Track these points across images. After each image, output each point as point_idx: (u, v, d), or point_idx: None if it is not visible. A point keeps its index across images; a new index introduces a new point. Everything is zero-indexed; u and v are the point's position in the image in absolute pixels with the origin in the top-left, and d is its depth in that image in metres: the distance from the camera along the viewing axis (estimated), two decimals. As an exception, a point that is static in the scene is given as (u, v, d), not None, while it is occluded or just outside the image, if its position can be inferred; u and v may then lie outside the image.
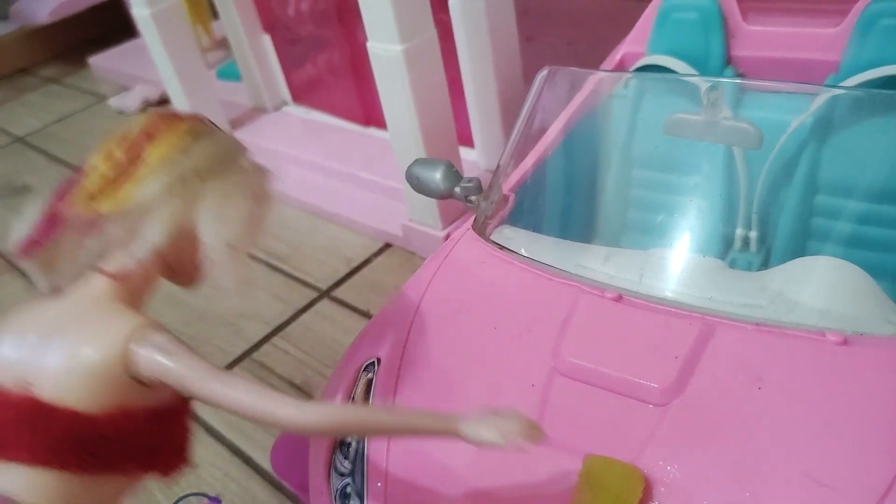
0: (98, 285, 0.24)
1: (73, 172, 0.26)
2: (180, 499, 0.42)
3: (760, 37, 0.43)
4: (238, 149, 0.26)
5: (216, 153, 0.25)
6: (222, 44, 1.02)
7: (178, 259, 0.25)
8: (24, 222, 0.25)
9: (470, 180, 0.39)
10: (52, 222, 0.25)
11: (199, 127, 0.26)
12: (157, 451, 0.23)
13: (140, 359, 0.22)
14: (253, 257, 0.64)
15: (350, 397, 0.32)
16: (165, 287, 0.27)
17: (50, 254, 0.25)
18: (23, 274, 0.70)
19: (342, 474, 0.31)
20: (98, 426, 0.22)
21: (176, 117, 0.26)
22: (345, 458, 0.31)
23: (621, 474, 0.25)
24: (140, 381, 0.22)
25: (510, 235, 0.37)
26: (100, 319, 0.23)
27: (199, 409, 0.49)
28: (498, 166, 0.40)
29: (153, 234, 0.24)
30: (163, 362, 0.22)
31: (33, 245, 0.25)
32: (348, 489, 0.30)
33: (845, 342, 0.28)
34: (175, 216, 0.24)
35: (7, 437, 0.21)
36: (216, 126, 0.27)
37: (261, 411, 0.22)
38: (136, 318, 0.23)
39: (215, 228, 0.24)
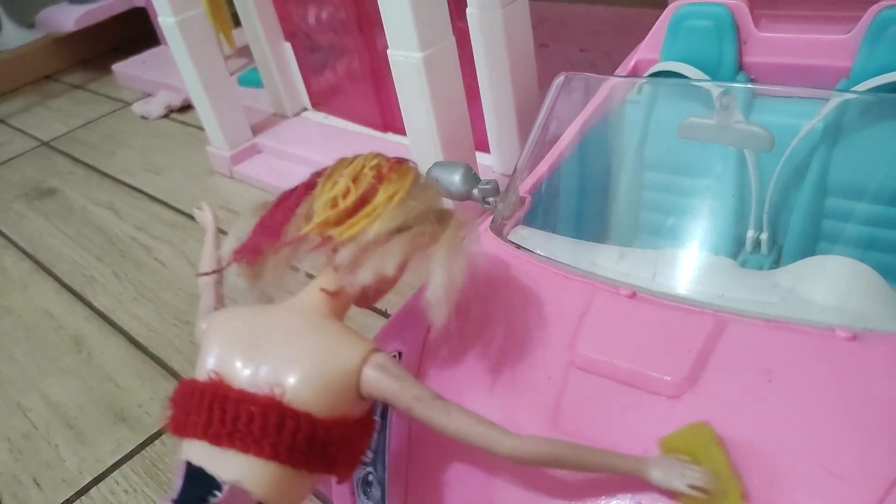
0: (317, 301, 0.27)
1: (289, 195, 0.29)
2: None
3: (772, 43, 0.44)
4: (442, 196, 0.30)
5: (437, 201, 0.29)
6: (243, 51, 1.04)
7: (378, 288, 0.28)
8: (238, 230, 0.28)
9: (488, 182, 0.41)
10: (271, 234, 0.27)
11: (421, 177, 0.29)
12: (352, 455, 0.26)
13: (371, 379, 0.25)
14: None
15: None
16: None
17: (262, 263, 0.28)
18: (53, 277, 0.72)
19: (364, 463, 0.32)
20: (327, 431, 0.24)
21: (402, 163, 0.29)
22: (367, 448, 0.32)
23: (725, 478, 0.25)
24: (361, 396, 0.25)
25: (526, 235, 0.38)
26: (335, 339, 0.26)
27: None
28: (515, 169, 0.41)
29: (384, 267, 0.26)
30: (392, 384, 0.25)
31: (252, 252, 0.27)
32: (370, 477, 0.31)
33: (854, 338, 0.28)
34: (405, 254, 0.27)
35: (253, 434, 0.24)
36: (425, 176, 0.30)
37: (481, 441, 0.25)
38: (365, 343, 0.26)
39: (441, 273, 0.27)
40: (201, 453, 0.24)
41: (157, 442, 0.50)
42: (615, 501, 0.26)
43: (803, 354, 0.28)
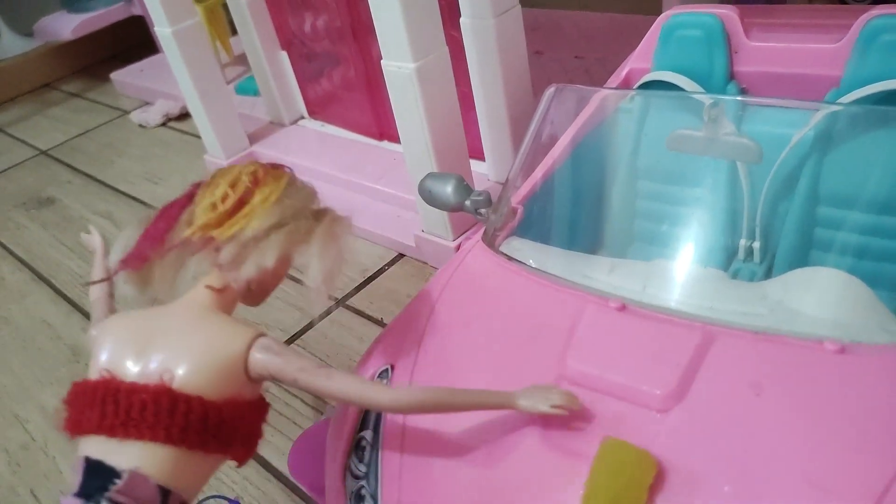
0: (204, 298, 0.29)
1: (172, 204, 0.31)
2: (200, 501, 0.44)
3: (763, 52, 0.44)
4: (318, 197, 0.32)
5: (314, 202, 0.31)
6: (240, 59, 1.04)
7: (262, 284, 0.30)
8: (123, 240, 0.30)
9: (480, 194, 0.41)
10: (155, 241, 0.29)
11: (296, 180, 0.32)
12: (248, 437, 0.28)
13: (258, 360, 0.27)
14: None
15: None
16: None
17: (149, 269, 0.29)
18: (53, 287, 0.72)
19: (357, 477, 0.32)
20: (220, 412, 0.26)
21: (276, 168, 0.31)
22: (360, 462, 0.32)
23: (635, 457, 0.26)
24: (250, 378, 0.27)
25: (518, 247, 0.38)
26: (221, 328, 0.28)
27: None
28: (507, 180, 0.41)
29: (263, 260, 0.28)
30: (277, 362, 0.27)
31: (137, 260, 0.29)
32: (363, 491, 0.31)
33: (843, 350, 0.28)
34: (283, 246, 0.29)
35: (147, 420, 0.25)
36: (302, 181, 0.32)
37: (363, 397, 0.27)
38: (250, 329, 0.28)
39: (318, 263, 0.29)
40: (98, 447, 0.25)
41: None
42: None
43: (792, 367, 0.28)
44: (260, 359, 0.27)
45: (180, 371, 0.26)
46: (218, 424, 0.26)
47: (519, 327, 0.33)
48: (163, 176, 0.90)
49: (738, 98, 0.42)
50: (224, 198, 0.29)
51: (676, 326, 0.30)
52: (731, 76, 0.45)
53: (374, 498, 0.31)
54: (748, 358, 0.29)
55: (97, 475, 0.25)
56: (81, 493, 0.24)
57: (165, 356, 0.26)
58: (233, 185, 0.30)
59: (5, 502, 0.49)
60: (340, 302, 0.59)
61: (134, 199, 0.86)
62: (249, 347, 0.27)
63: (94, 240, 0.37)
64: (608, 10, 0.91)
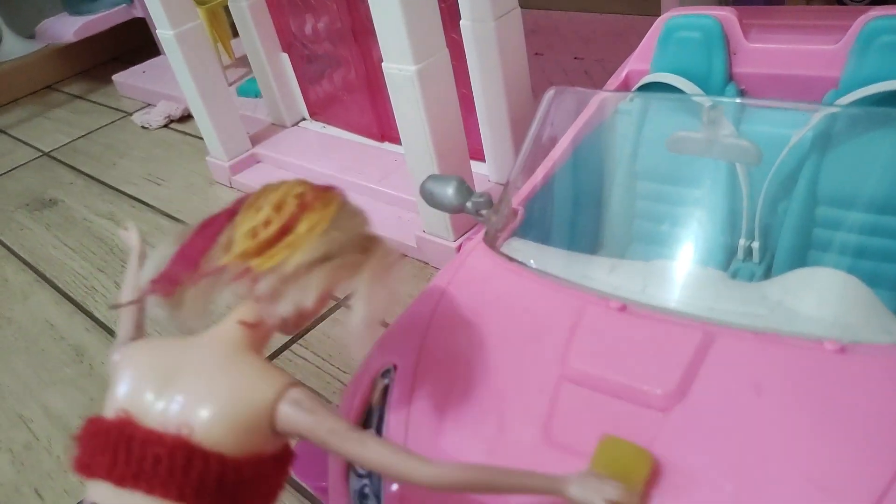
0: (235, 333, 0.26)
1: (209, 223, 0.28)
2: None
3: (762, 54, 0.45)
4: (368, 222, 0.29)
5: (364, 233, 0.28)
6: (241, 61, 1.05)
7: (299, 318, 0.27)
8: (157, 258, 0.28)
9: (481, 195, 0.41)
10: (188, 264, 0.27)
11: (347, 205, 0.28)
12: (267, 494, 0.26)
13: (284, 416, 0.24)
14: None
15: (367, 403, 0.34)
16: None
17: (180, 294, 0.27)
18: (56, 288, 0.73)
19: (360, 476, 0.32)
20: (238, 471, 0.24)
21: (327, 191, 0.28)
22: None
23: (632, 454, 0.27)
24: (276, 432, 0.25)
25: (519, 248, 0.38)
26: (250, 374, 0.25)
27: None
28: (507, 181, 0.41)
29: (303, 299, 0.26)
30: (308, 421, 0.24)
31: (169, 283, 0.27)
32: (366, 490, 0.32)
33: (842, 350, 0.29)
34: (326, 285, 0.26)
35: (159, 476, 0.23)
36: (351, 204, 0.29)
37: (399, 470, 0.24)
38: (281, 378, 0.25)
39: (363, 306, 0.27)
40: (107, 495, 0.24)
41: None
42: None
43: (791, 367, 0.29)
44: (289, 414, 0.24)
45: (201, 419, 0.24)
46: (235, 484, 0.24)
47: (520, 327, 0.34)
48: (165, 177, 0.90)
49: (737, 100, 0.42)
50: (267, 223, 0.26)
51: (677, 326, 0.31)
52: (730, 77, 0.46)
53: (378, 496, 0.31)
54: (748, 358, 0.29)
55: None
56: None
57: (187, 399, 0.24)
58: (277, 209, 0.27)
59: (9, 501, 0.50)
60: (342, 302, 0.59)
61: (136, 200, 0.86)
62: (278, 399, 0.24)
63: (132, 238, 0.34)
64: (607, 11, 0.92)
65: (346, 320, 0.27)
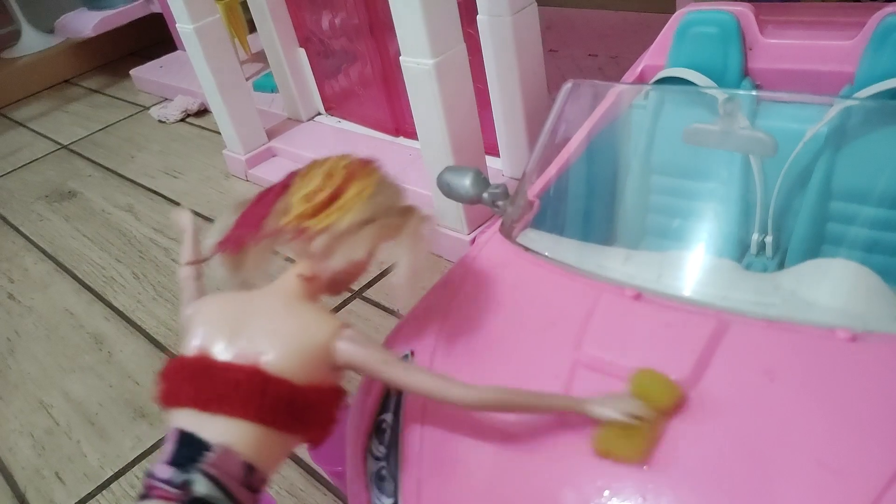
0: (294, 285, 0.30)
1: (268, 192, 0.31)
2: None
3: (777, 49, 0.45)
4: (408, 197, 0.33)
5: (402, 199, 0.32)
6: (258, 56, 1.06)
7: (346, 275, 0.31)
8: (220, 225, 0.31)
9: (497, 186, 0.42)
10: (250, 227, 0.30)
11: (386, 175, 0.32)
12: (326, 421, 0.29)
13: (342, 350, 0.28)
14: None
15: (385, 388, 0.35)
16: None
17: (243, 253, 0.30)
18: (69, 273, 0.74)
19: (378, 458, 0.33)
20: (305, 395, 0.27)
21: (369, 163, 0.32)
22: (380, 444, 0.33)
23: (662, 384, 0.28)
24: (335, 366, 0.28)
25: (535, 238, 0.39)
26: (310, 316, 0.29)
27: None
28: (524, 173, 0.42)
29: (354, 252, 0.29)
30: (362, 353, 0.28)
31: (235, 244, 0.30)
32: (383, 472, 0.32)
33: (854, 339, 0.29)
34: (373, 242, 0.30)
35: (237, 398, 0.26)
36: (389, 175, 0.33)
37: (438, 392, 0.28)
38: (336, 319, 0.29)
39: (406, 260, 0.30)
40: (191, 420, 0.26)
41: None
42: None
43: (804, 355, 0.29)
44: (345, 349, 0.28)
45: (271, 355, 0.27)
46: (303, 408, 0.27)
47: (536, 315, 0.34)
48: (182, 170, 0.91)
49: (753, 93, 0.43)
50: (319, 189, 0.30)
51: (691, 314, 0.31)
52: (746, 73, 0.46)
53: (395, 479, 0.32)
54: (761, 345, 0.30)
55: (189, 446, 0.26)
56: (174, 462, 0.25)
57: (258, 339, 0.27)
58: (328, 177, 0.30)
59: (31, 485, 0.51)
60: (357, 294, 0.60)
61: (154, 192, 0.88)
62: (336, 337, 0.28)
63: (185, 218, 0.37)
64: (622, 8, 0.92)
65: (392, 276, 0.30)
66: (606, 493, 0.27)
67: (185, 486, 0.25)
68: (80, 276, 0.74)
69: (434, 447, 0.31)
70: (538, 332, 0.33)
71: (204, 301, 0.30)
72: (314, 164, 0.31)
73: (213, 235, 0.31)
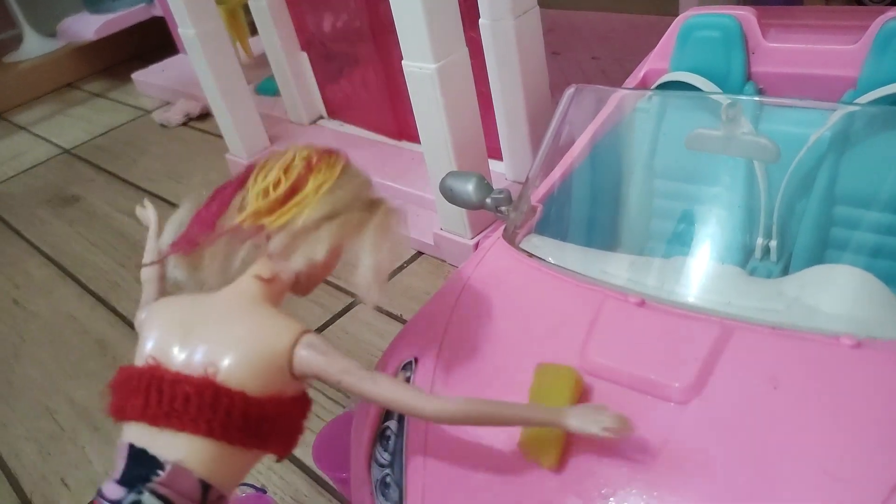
0: (252, 287, 0.28)
1: (225, 188, 0.29)
2: (228, 489, 0.45)
3: (780, 53, 0.45)
4: (374, 186, 0.31)
5: (366, 190, 0.30)
6: (261, 60, 1.06)
7: (311, 275, 0.29)
8: (175, 222, 0.29)
9: (500, 192, 0.42)
10: (205, 225, 0.28)
11: (350, 166, 0.30)
12: (290, 433, 0.28)
13: (301, 359, 0.26)
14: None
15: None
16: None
17: (199, 254, 0.28)
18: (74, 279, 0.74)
19: (382, 465, 0.33)
20: (262, 408, 0.26)
21: (331, 154, 0.30)
22: (385, 450, 0.33)
23: (561, 373, 0.29)
24: (294, 375, 0.27)
25: (538, 244, 0.39)
26: (267, 322, 0.27)
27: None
28: (527, 178, 0.42)
29: (314, 252, 0.28)
30: (321, 361, 0.26)
31: (188, 244, 0.28)
32: (388, 479, 0.32)
33: (858, 346, 0.29)
34: (334, 240, 0.28)
35: (187, 414, 0.25)
36: (354, 167, 0.31)
37: (404, 405, 0.26)
38: (297, 325, 0.27)
39: (369, 259, 0.29)
40: (142, 435, 0.25)
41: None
42: None
43: (808, 361, 0.29)
44: (304, 356, 0.26)
45: (224, 364, 0.25)
46: (259, 420, 0.26)
47: (539, 321, 0.34)
48: (184, 174, 0.92)
49: (756, 98, 0.42)
50: (276, 184, 0.28)
51: (695, 321, 0.31)
52: (749, 77, 0.46)
53: (399, 485, 0.32)
54: (765, 352, 0.30)
55: (140, 464, 0.25)
56: (124, 481, 0.24)
57: (211, 347, 0.26)
58: (286, 171, 0.29)
59: (37, 490, 0.51)
60: (358, 299, 0.60)
61: (157, 196, 0.88)
62: (295, 344, 0.26)
63: (149, 214, 0.35)
64: (625, 11, 0.92)
65: (354, 274, 0.29)
66: (611, 501, 0.27)
67: None
68: (84, 281, 0.74)
69: (438, 454, 0.31)
70: (542, 339, 0.33)
71: (157, 305, 0.29)
72: (272, 156, 0.30)
73: (168, 234, 0.30)
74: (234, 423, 0.25)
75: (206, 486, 0.25)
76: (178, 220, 0.30)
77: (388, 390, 0.26)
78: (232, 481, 0.26)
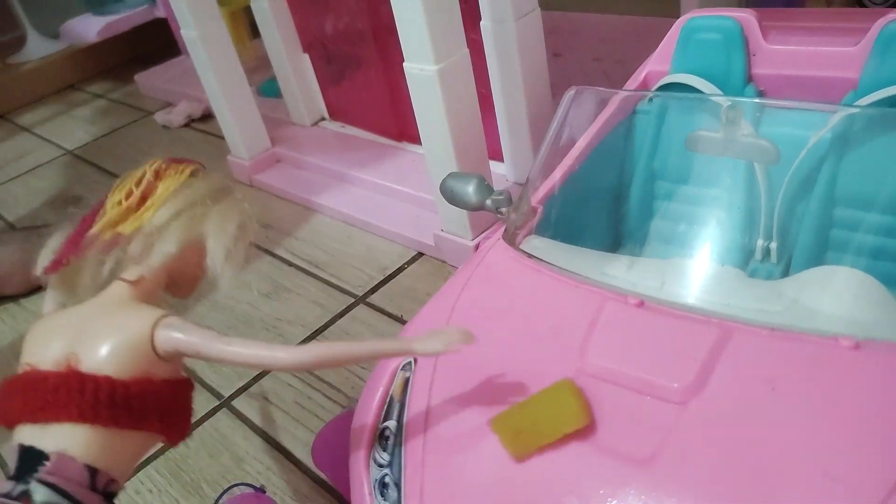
0: (119, 290, 0.30)
1: (90, 209, 0.32)
2: (227, 489, 0.45)
3: (781, 55, 0.45)
4: (228, 184, 0.34)
5: (213, 187, 0.33)
6: (263, 61, 1.06)
7: (180, 272, 0.32)
8: (50, 248, 0.31)
9: (500, 193, 0.42)
10: (74, 245, 0.31)
11: (198, 169, 0.33)
12: (170, 414, 0.29)
13: (161, 339, 0.28)
14: (293, 265, 0.67)
15: (388, 395, 0.35)
16: (213, 295, 0.32)
17: (71, 272, 0.31)
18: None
19: (381, 465, 0.33)
20: (128, 389, 0.27)
21: (180, 162, 0.33)
22: (383, 451, 0.33)
23: (573, 407, 0.29)
24: (160, 357, 0.28)
25: (538, 245, 0.39)
26: (129, 312, 0.29)
27: (245, 409, 0.52)
28: (527, 180, 0.42)
29: (167, 247, 0.31)
30: (179, 337, 0.28)
31: (56, 264, 0.31)
32: (387, 479, 0.32)
33: (857, 347, 0.29)
34: (184, 232, 0.31)
35: (58, 402, 0.26)
36: (209, 171, 0.34)
37: (259, 359, 0.28)
38: (156, 310, 0.29)
39: (217, 240, 0.31)
40: (28, 434, 0.27)
41: (180, 443, 0.52)
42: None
43: (807, 362, 0.29)
44: (164, 336, 0.28)
45: (87, 352, 0.27)
46: (127, 400, 0.27)
47: (539, 323, 0.34)
48: (186, 175, 0.92)
49: (756, 100, 0.43)
50: (129, 194, 0.31)
51: (694, 322, 0.31)
52: (749, 79, 0.46)
53: (398, 486, 0.32)
54: (764, 353, 0.30)
55: (28, 459, 0.26)
56: (13, 476, 0.26)
57: (73, 341, 0.28)
58: (137, 182, 0.31)
59: None
60: (361, 299, 0.60)
61: (158, 197, 0.88)
62: (155, 326, 0.28)
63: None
64: (626, 12, 0.92)
65: (207, 261, 0.31)
66: (611, 501, 0.27)
67: (23, 496, 0.25)
68: (86, 281, 0.74)
69: (437, 455, 0.31)
70: (541, 340, 0.33)
71: (35, 322, 0.31)
72: (128, 174, 0.32)
73: (44, 258, 0.31)
74: (102, 404, 0.26)
75: (93, 471, 0.26)
76: (52, 247, 0.31)
77: (243, 348, 0.28)
78: (121, 465, 0.28)
